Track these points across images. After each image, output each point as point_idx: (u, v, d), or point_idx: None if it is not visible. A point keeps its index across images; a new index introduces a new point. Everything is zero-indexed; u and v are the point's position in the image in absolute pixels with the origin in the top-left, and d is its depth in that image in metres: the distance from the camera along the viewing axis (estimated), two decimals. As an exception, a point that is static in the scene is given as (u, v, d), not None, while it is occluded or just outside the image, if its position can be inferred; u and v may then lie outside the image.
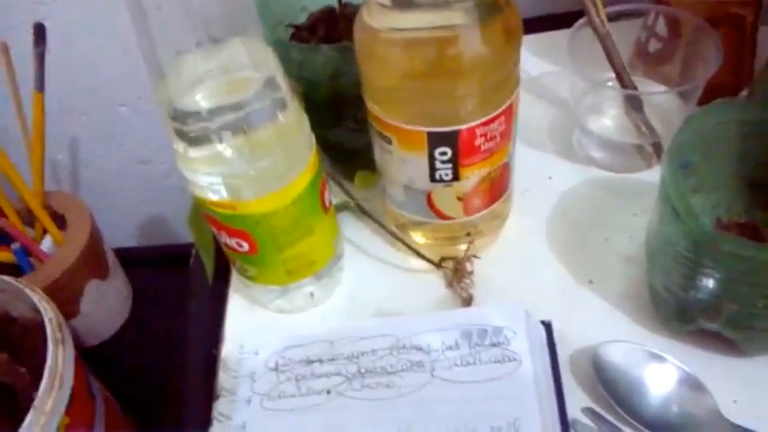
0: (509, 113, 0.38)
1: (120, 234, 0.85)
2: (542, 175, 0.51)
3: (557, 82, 0.57)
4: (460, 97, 0.35)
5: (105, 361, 0.68)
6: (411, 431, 0.35)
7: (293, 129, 0.36)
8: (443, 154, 0.37)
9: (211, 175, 0.35)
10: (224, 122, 0.33)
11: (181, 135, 0.34)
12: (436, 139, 0.37)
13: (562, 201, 0.49)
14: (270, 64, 0.34)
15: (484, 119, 0.36)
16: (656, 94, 0.49)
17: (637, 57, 0.53)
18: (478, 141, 0.37)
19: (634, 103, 0.48)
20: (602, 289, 0.44)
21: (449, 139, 0.37)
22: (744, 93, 0.51)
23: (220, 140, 0.33)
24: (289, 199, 0.37)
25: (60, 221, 0.64)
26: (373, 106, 0.38)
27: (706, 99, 0.47)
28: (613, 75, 0.47)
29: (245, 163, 0.34)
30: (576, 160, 0.52)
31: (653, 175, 0.49)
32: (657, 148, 0.49)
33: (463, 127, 0.36)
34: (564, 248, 0.46)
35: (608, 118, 0.50)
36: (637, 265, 0.44)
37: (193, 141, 0.34)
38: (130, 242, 0.89)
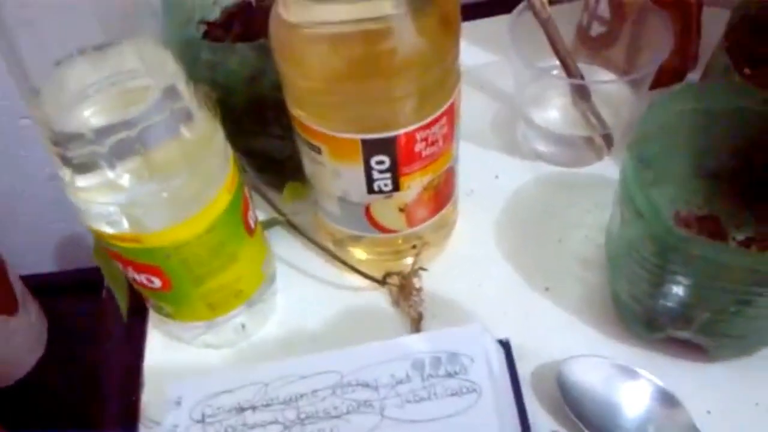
0: (451, 114, 0.34)
1: (31, 259, 0.77)
2: (488, 174, 0.47)
3: (497, 72, 0.53)
4: (396, 98, 0.31)
5: (19, 402, 0.61)
6: (363, 485, 0.30)
7: (202, 143, 0.31)
8: (380, 163, 0.33)
9: (108, 205, 0.29)
10: (115, 143, 0.27)
11: (66, 161, 0.28)
12: (371, 147, 0.32)
13: (510, 201, 0.45)
14: (167, 70, 0.29)
15: (423, 122, 0.32)
16: (605, 83, 0.46)
17: (580, 42, 0.49)
18: (419, 146, 0.33)
19: (581, 93, 0.45)
20: (560, 297, 0.40)
21: (386, 146, 0.32)
22: (691, 77, 0.49)
23: (112, 166, 0.28)
24: (204, 226, 0.32)
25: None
26: (297, 112, 0.34)
27: (651, 85, 0.44)
28: (557, 62, 0.44)
29: (145, 189, 0.29)
30: (522, 156, 0.48)
31: (605, 168, 0.47)
32: (607, 139, 0.46)
33: (401, 132, 0.32)
34: (516, 253, 0.43)
35: (554, 110, 0.47)
36: (595, 268, 0.41)
37: (80, 168, 0.28)
38: (44, 267, 0.81)
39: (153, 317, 0.42)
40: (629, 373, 0.35)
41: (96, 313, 0.67)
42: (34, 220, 0.77)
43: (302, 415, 0.33)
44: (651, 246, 0.31)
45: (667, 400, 0.34)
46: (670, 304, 0.33)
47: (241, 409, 0.34)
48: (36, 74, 0.27)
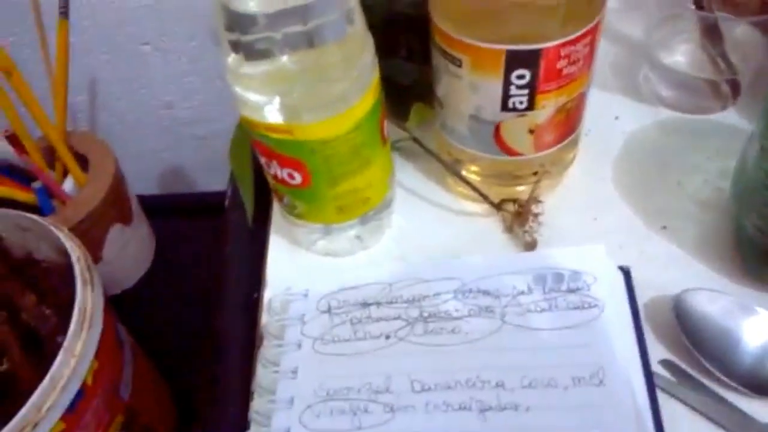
0: (595, 33, 0.34)
1: (139, 181, 0.81)
2: (607, 115, 0.47)
3: (619, 17, 0.52)
4: (548, 8, 0.31)
5: (127, 311, 0.65)
6: (482, 379, 0.32)
7: (360, 46, 0.32)
8: (521, 77, 0.34)
9: (269, 94, 0.31)
10: (289, 33, 0.29)
11: (237, 47, 0.30)
12: (515, 60, 0.33)
13: (629, 143, 0.45)
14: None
15: (569, 38, 0.33)
16: (740, 26, 0.45)
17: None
18: (561, 63, 0.33)
19: (711, 36, 0.44)
20: (677, 236, 0.40)
21: (530, 59, 0.33)
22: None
23: (283, 54, 0.30)
24: (350, 125, 0.33)
25: (82, 163, 0.61)
26: (442, 22, 0.34)
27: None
28: (690, 6, 0.43)
29: (308, 82, 0.31)
30: (643, 101, 0.48)
31: (729, 117, 0.46)
32: (733, 86, 0.45)
33: (547, 45, 0.32)
34: (633, 192, 0.43)
35: (681, 54, 0.46)
36: (715, 211, 0.41)
37: (252, 54, 0.30)
38: (150, 190, 0.86)
39: (275, 223, 0.44)
40: (748, 309, 0.35)
41: (197, 233, 0.72)
42: (145, 146, 0.82)
43: (425, 314, 0.34)
44: (793, 175, 0.31)
45: (787, 338, 0.34)
46: (804, 238, 0.33)
47: (366, 304, 0.35)
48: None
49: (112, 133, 0.80)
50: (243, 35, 0.29)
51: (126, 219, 0.63)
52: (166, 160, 0.83)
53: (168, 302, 0.68)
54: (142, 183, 0.82)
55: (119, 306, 0.65)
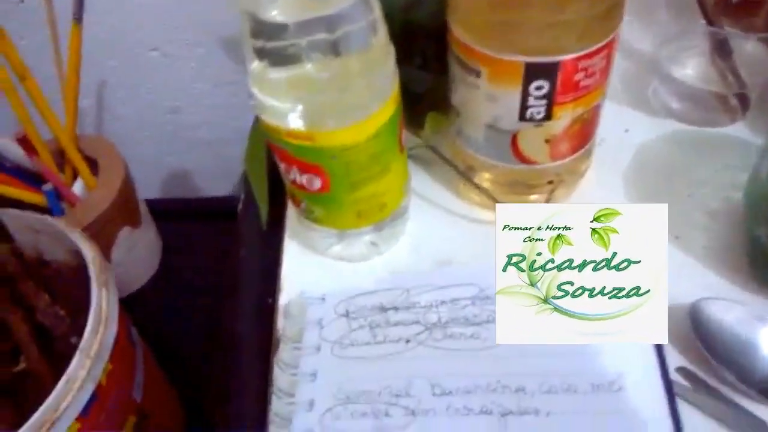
0: (611, 48, 0.35)
1: (145, 186, 0.82)
2: (618, 127, 0.48)
3: (630, 30, 0.53)
4: (567, 22, 0.32)
5: (135, 313, 0.65)
6: (503, 384, 0.32)
7: (382, 55, 0.33)
8: (539, 88, 0.34)
9: (292, 101, 0.32)
10: (316, 41, 0.30)
11: (263, 53, 0.31)
12: (533, 71, 0.34)
13: (639, 154, 0.46)
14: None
15: (588, 50, 0.33)
16: (749, 42, 0.45)
17: (721, 10, 0.49)
18: (578, 76, 0.34)
19: (722, 50, 0.45)
20: (689, 245, 0.41)
21: (548, 71, 0.33)
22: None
23: (308, 61, 0.30)
24: (370, 132, 0.34)
25: (92, 166, 0.61)
26: (461, 33, 0.35)
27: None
28: (701, 22, 0.44)
29: (331, 90, 0.31)
30: (652, 113, 0.48)
31: (737, 131, 0.47)
32: (743, 99, 0.46)
33: (566, 58, 0.33)
34: (644, 202, 0.43)
35: (691, 68, 0.47)
36: (726, 221, 0.41)
37: (277, 61, 0.30)
38: (156, 194, 0.86)
39: (289, 228, 0.45)
40: (763, 318, 0.35)
41: (204, 237, 0.72)
42: (150, 151, 0.82)
43: (443, 319, 0.35)
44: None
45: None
46: (817, 249, 0.33)
47: (384, 309, 0.36)
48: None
49: (118, 137, 0.79)
50: (268, 42, 0.30)
51: (135, 222, 0.63)
52: (172, 165, 0.84)
53: (174, 305, 0.68)
54: (147, 187, 0.83)
55: (128, 308, 0.65)
